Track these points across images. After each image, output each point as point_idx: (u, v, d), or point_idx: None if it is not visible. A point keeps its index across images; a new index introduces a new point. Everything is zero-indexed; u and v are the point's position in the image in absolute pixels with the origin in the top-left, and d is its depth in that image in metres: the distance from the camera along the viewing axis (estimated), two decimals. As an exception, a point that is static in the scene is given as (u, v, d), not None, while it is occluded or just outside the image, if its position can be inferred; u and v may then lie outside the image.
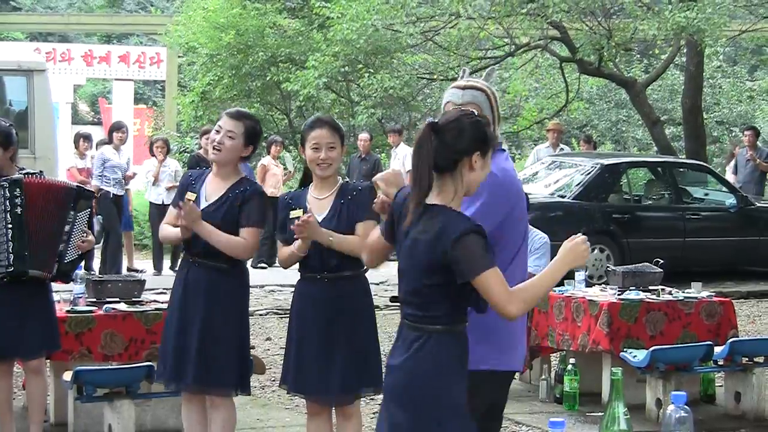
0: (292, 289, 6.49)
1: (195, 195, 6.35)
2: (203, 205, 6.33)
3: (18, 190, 6.84)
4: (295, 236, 6.07)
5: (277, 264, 16.91)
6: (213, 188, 6.39)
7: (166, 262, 16.49)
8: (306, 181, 6.35)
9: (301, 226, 5.96)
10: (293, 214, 6.17)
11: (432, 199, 4.27)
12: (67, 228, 7.00)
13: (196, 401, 6.49)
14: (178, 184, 6.87)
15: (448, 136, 4.25)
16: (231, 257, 6.34)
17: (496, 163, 4.63)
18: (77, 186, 7.34)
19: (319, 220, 6.08)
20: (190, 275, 6.35)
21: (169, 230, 6.49)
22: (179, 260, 6.62)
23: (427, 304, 4.26)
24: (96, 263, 15.49)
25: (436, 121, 4.29)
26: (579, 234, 4.38)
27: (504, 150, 4.98)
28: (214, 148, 6.38)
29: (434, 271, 4.22)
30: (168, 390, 6.68)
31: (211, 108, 24.42)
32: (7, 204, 6.81)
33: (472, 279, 4.14)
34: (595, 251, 15.28)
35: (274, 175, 17.53)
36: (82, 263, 7.41)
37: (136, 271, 15.63)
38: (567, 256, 4.30)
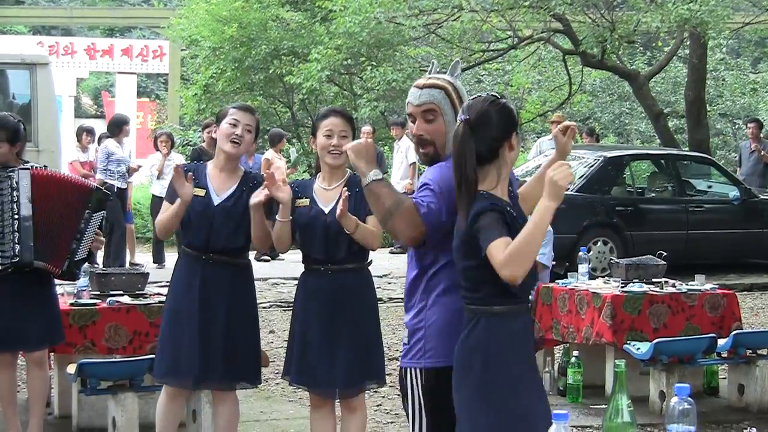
0: (296, 281, 6.50)
1: (307, 200, 6.19)
2: (216, 200, 6.28)
3: (25, 181, 6.85)
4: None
5: (280, 257, 17.03)
6: (220, 183, 6.35)
7: (168, 256, 16.49)
8: (319, 170, 6.35)
9: (344, 202, 5.85)
10: (299, 202, 6.17)
11: None
12: (81, 226, 7.00)
13: (180, 397, 6.50)
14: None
15: (483, 130, 4.31)
16: (246, 253, 6.38)
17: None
18: (96, 186, 7.32)
19: (326, 212, 6.08)
20: (207, 273, 6.28)
21: (163, 215, 6.35)
22: (181, 256, 6.51)
23: (473, 286, 4.31)
24: (99, 255, 15.50)
25: (469, 117, 4.32)
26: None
27: None
28: (232, 141, 6.27)
29: (466, 251, 4.29)
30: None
31: (214, 101, 24.44)
32: (15, 195, 6.82)
33: (485, 251, 4.18)
34: (599, 244, 15.29)
35: (278, 167, 17.51)
36: None
37: (136, 265, 15.63)
38: (548, 186, 4.17)
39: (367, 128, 19.69)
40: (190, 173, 6.17)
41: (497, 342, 4.29)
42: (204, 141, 16.01)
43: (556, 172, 4.15)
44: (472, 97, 4.49)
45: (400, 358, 4.80)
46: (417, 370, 4.63)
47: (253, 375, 6.46)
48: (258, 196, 6.08)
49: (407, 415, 4.71)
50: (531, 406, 4.33)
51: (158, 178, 16.31)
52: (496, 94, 4.46)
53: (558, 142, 4.65)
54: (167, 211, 6.33)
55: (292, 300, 6.52)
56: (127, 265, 15.48)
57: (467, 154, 4.28)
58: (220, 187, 6.34)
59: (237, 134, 6.28)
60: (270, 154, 17.81)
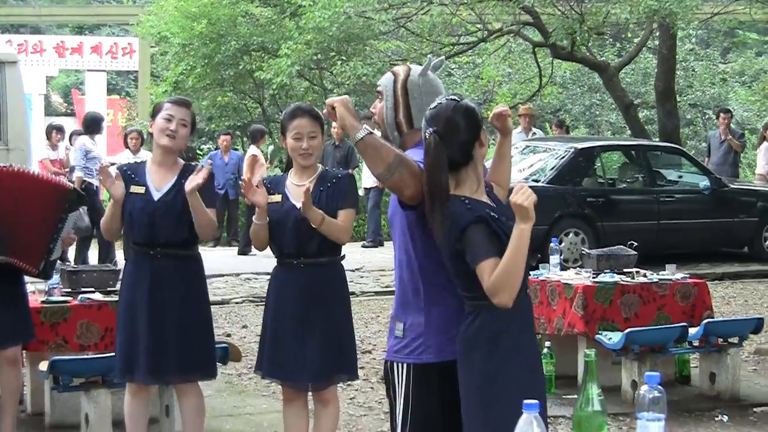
0: (268, 276, 6.50)
1: (280, 196, 6.20)
2: (156, 195, 6.28)
3: None
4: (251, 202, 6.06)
5: (253, 251, 17.00)
6: (160, 178, 6.35)
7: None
8: (290, 166, 6.36)
9: (306, 195, 5.94)
10: (272, 199, 6.17)
11: (453, 190, 4.31)
12: (59, 226, 6.99)
13: (142, 393, 6.49)
14: None
15: (452, 137, 4.31)
16: (195, 244, 6.40)
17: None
18: (73, 187, 7.30)
19: (298, 207, 6.08)
20: (156, 267, 6.28)
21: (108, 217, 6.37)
22: (129, 254, 6.54)
23: (465, 285, 4.32)
24: (71, 254, 15.45)
25: (437, 128, 4.30)
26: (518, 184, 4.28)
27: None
28: (167, 136, 6.29)
29: (454, 259, 4.30)
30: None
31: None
32: None
33: (474, 268, 4.19)
34: (570, 235, 15.35)
35: (261, 165, 17.48)
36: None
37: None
38: (515, 210, 4.17)
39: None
40: (115, 169, 6.14)
41: (498, 332, 4.30)
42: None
43: (518, 196, 4.16)
44: (432, 106, 4.43)
45: (387, 350, 4.72)
46: (406, 365, 4.58)
47: (208, 367, 6.46)
48: (192, 182, 6.13)
49: (392, 406, 4.68)
50: (528, 396, 4.35)
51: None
52: (455, 97, 4.44)
53: (496, 127, 4.65)
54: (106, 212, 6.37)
55: (265, 295, 6.52)
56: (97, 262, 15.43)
57: (440, 164, 4.26)
58: (159, 182, 6.34)
59: (171, 129, 6.29)
60: (254, 150, 17.76)
